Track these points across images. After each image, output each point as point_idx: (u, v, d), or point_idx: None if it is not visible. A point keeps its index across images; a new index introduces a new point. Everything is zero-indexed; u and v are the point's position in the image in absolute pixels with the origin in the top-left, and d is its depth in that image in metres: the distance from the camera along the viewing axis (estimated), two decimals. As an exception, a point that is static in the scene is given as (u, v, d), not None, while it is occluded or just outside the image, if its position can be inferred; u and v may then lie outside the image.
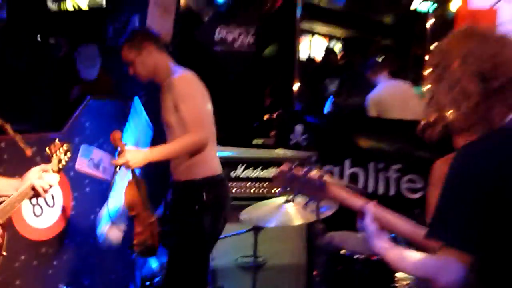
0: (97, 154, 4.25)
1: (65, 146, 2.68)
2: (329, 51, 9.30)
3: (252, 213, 3.67)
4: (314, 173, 2.23)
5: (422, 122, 1.88)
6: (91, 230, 4.15)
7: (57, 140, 2.68)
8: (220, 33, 5.35)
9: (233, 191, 4.42)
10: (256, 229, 3.85)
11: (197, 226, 3.53)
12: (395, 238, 2.22)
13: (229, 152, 4.56)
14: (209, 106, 3.65)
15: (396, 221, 2.15)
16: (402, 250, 1.94)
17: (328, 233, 3.88)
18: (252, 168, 4.55)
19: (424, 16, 7.08)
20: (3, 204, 2.34)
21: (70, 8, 5.42)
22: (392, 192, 5.02)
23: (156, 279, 4.39)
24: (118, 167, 3.44)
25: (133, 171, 3.46)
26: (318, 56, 10.15)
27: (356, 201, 2.12)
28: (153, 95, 3.90)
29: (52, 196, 4.08)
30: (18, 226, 3.94)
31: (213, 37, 5.35)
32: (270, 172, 4.53)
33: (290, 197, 3.29)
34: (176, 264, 3.62)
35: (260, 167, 4.55)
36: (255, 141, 5.38)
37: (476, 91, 1.70)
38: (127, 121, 4.20)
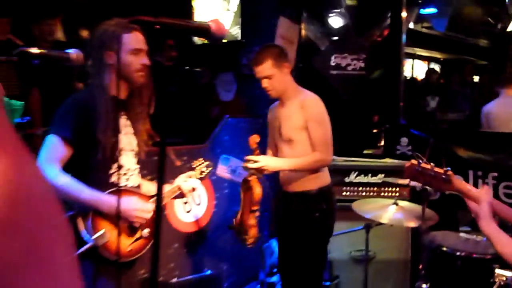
0: (234, 162, 4.45)
1: (207, 162, 2.95)
2: (430, 72, 9.10)
3: (362, 206, 3.71)
4: (439, 168, 2.27)
5: None
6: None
7: (202, 159, 2.98)
8: (335, 59, 5.41)
9: (347, 194, 4.49)
10: (368, 227, 3.87)
11: (320, 230, 3.55)
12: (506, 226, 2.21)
13: (343, 161, 4.61)
14: None
15: (508, 211, 2.15)
16: (507, 236, 1.95)
17: (431, 232, 3.85)
18: (363, 175, 4.54)
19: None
20: (153, 199, 2.49)
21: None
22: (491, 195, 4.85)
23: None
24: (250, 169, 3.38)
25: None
26: (420, 76, 9.97)
27: (475, 190, 2.16)
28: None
29: (199, 196, 4.34)
30: (172, 220, 4.22)
31: (329, 62, 5.41)
32: (379, 178, 4.51)
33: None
34: (303, 263, 3.54)
35: (370, 174, 4.54)
36: (365, 151, 5.39)
37: None
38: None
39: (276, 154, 3.64)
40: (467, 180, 4.95)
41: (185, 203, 4.24)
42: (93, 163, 2.34)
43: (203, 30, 1.55)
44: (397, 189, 4.45)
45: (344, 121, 5.13)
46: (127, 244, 2.39)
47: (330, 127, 3.49)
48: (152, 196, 2.50)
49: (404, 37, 5.73)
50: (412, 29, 8.00)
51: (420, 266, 3.48)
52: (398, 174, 4.49)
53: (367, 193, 4.49)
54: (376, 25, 6.08)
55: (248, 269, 4.75)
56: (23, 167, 0.52)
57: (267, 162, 3.33)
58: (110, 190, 2.35)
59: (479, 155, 4.97)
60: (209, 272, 4.40)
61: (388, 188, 4.49)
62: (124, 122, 2.46)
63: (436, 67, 10.59)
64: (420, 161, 2.28)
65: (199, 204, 4.34)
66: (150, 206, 2.41)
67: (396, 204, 3.64)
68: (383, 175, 4.50)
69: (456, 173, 4.93)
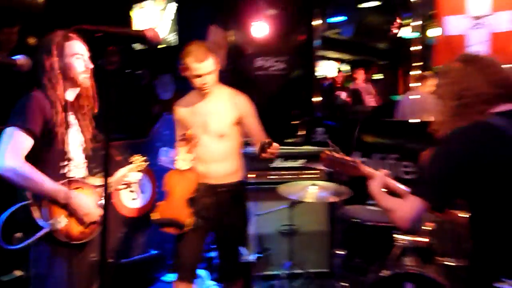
0: (173, 153, 4.38)
1: (143, 157, 2.86)
2: (338, 71, 9.31)
3: (287, 189, 3.72)
4: (348, 157, 2.43)
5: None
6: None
7: (139, 154, 2.87)
8: (259, 62, 5.42)
9: (273, 177, 4.53)
10: (292, 205, 3.90)
11: (247, 215, 3.46)
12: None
13: (269, 149, 4.63)
14: None
15: (396, 187, 2.37)
16: (388, 195, 2.17)
17: (344, 206, 3.96)
18: (286, 160, 4.59)
19: (409, 42, 7.03)
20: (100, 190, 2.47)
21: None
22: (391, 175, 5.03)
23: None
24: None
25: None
26: (331, 75, 10.17)
27: (374, 171, 2.37)
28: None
29: (143, 185, 4.27)
30: (119, 208, 4.13)
31: (254, 64, 5.41)
32: (299, 163, 4.56)
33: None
34: (237, 243, 3.41)
35: (292, 160, 4.59)
36: (288, 140, 5.44)
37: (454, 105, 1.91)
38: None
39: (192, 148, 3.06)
40: (372, 161, 5.11)
41: (131, 191, 4.15)
42: (47, 156, 2.28)
43: (140, 37, 1.52)
44: (315, 171, 4.52)
45: (268, 115, 5.17)
46: (78, 228, 2.35)
47: None
48: (98, 186, 2.47)
49: (317, 42, 5.82)
50: (324, 35, 8.13)
51: (336, 236, 3.56)
52: (316, 159, 4.55)
53: (290, 176, 4.51)
54: (294, 32, 6.16)
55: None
56: None
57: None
58: (62, 181, 2.31)
59: (382, 140, 5.12)
60: (154, 252, 4.33)
61: (308, 171, 4.55)
62: (72, 120, 2.40)
63: (345, 67, 10.83)
64: (333, 151, 2.38)
65: (143, 192, 4.26)
66: (98, 211, 2.39)
67: (314, 184, 3.71)
68: (303, 160, 4.56)
69: (363, 155, 5.15)
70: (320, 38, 6.10)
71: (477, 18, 5.23)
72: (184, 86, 4.16)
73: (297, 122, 5.81)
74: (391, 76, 9.75)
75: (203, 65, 2.98)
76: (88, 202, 2.37)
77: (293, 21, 6.00)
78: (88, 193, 2.41)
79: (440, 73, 2.05)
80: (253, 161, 4.50)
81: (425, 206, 1.82)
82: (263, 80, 5.47)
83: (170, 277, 4.01)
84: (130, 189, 4.12)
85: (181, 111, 3.22)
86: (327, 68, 10.90)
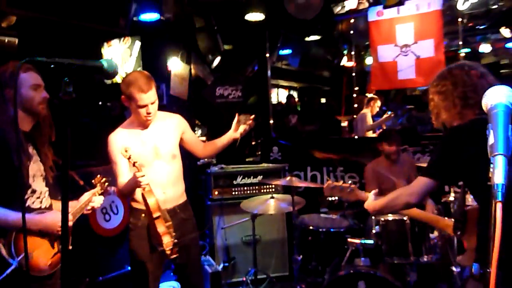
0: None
1: (104, 179, 2.47)
2: (290, 97, 9.35)
3: (248, 204, 3.66)
4: (346, 184, 2.40)
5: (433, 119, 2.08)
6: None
7: (98, 176, 2.46)
8: (219, 90, 5.37)
9: (236, 193, 4.42)
10: (253, 217, 3.82)
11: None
12: None
13: (231, 168, 4.55)
14: None
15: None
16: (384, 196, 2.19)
17: (300, 215, 3.90)
18: (246, 177, 4.50)
19: (350, 69, 7.16)
20: (72, 212, 2.24)
21: (119, 81, 5.43)
22: (339, 185, 5.03)
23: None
24: None
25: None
26: (283, 100, 10.22)
27: (365, 194, 2.35)
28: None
29: (116, 206, 4.06)
30: (95, 228, 3.91)
31: (214, 93, 5.36)
32: (258, 179, 4.49)
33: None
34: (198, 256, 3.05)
35: (252, 176, 4.50)
36: (247, 159, 5.38)
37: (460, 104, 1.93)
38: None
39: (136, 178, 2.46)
40: (322, 175, 5.11)
41: (105, 213, 3.95)
42: (10, 190, 2.01)
43: (96, 68, 1.39)
44: (272, 186, 4.47)
45: (229, 138, 5.11)
46: (47, 259, 2.10)
47: None
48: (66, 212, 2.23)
49: (269, 72, 5.83)
50: (275, 66, 8.17)
51: (294, 242, 3.51)
52: (273, 175, 4.53)
53: (251, 191, 4.45)
54: (248, 64, 6.15)
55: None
56: None
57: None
58: (30, 214, 2.06)
59: (329, 155, 5.14)
60: (129, 268, 4.11)
61: (266, 186, 4.49)
62: (31, 151, 2.16)
63: (294, 93, 10.92)
64: (332, 181, 2.40)
65: (116, 213, 4.05)
66: (70, 216, 2.14)
67: (273, 197, 3.67)
68: (261, 176, 4.51)
69: (313, 169, 5.13)
70: (272, 68, 6.10)
71: (404, 46, 5.35)
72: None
73: (255, 142, 5.77)
74: (334, 99, 9.89)
75: (148, 95, 2.54)
76: (56, 217, 2.09)
77: (247, 54, 6.00)
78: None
79: (443, 77, 2.01)
80: (216, 179, 4.43)
81: (432, 183, 1.89)
82: (223, 106, 5.40)
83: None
84: (106, 210, 3.99)
85: (120, 142, 2.60)
86: (279, 95, 10.99)
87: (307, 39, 7.06)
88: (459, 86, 1.91)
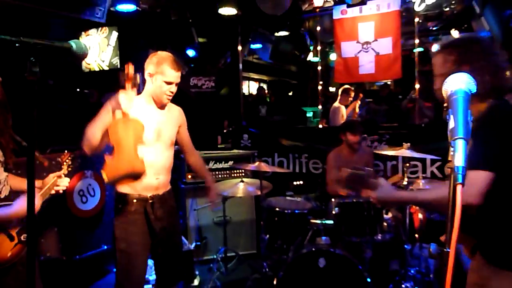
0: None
1: (70, 155, 2.22)
2: (260, 89, 9.27)
3: (219, 187, 3.57)
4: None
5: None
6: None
7: (65, 151, 2.22)
8: (193, 81, 5.25)
9: (208, 177, 4.37)
10: (224, 199, 3.77)
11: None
12: None
13: (204, 153, 4.45)
14: None
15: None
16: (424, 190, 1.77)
17: (268, 198, 3.86)
18: (218, 162, 4.44)
19: (316, 64, 7.13)
20: (38, 195, 2.03)
21: (97, 69, 5.20)
22: (304, 170, 5.03)
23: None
24: None
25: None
26: (254, 92, 10.14)
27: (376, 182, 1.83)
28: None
29: (94, 189, 3.90)
30: (73, 210, 3.76)
31: (189, 83, 5.23)
32: (229, 164, 4.43)
33: None
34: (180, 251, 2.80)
35: (223, 161, 4.45)
36: (219, 146, 5.31)
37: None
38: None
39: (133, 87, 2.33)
40: (289, 161, 5.09)
41: (82, 195, 3.79)
42: None
43: (65, 49, 1.26)
44: (242, 170, 4.42)
45: (202, 125, 5.00)
46: (8, 250, 1.92)
47: None
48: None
49: (240, 65, 5.73)
50: (247, 59, 8.06)
51: (262, 223, 3.47)
52: (243, 160, 4.47)
53: (222, 175, 4.39)
54: (221, 56, 6.03)
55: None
56: None
57: None
58: None
59: (295, 143, 5.12)
60: (105, 247, 3.98)
61: (236, 170, 4.44)
62: None
63: (264, 86, 10.85)
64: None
65: (93, 195, 3.90)
66: (36, 201, 1.86)
67: (242, 181, 3.62)
68: (232, 161, 4.44)
69: (280, 156, 5.10)
70: (243, 61, 6.01)
71: (365, 43, 5.35)
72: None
73: (227, 130, 5.69)
74: (301, 92, 9.89)
75: (178, 75, 2.49)
76: (19, 204, 1.90)
77: (220, 46, 5.88)
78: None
79: (467, 44, 1.61)
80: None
81: (489, 176, 1.41)
82: (197, 96, 5.29)
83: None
84: (83, 192, 3.83)
85: (136, 106, 2.40)
86: (250, 87, 10.89)
87: (276, 34, 6.98)
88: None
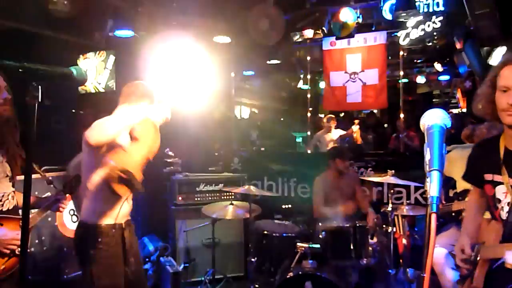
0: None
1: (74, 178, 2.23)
2: (252, 114, 9.35)
3: (209, 209, 3.58)
4: None
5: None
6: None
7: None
8: (187, 105, 5.29)
9: (198, 199, 4.32)
10: (213, 221, 3.75)
11: None
12: None
13: (195, 176, 4.46)
14: None
15: None
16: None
17: (256, 221, 3.85)
18: (209, 185, 4.42)
19: (305, 91, 7.25)
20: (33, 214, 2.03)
21: (93, 91, 5.23)
22: (292, 194, 5.05)
23: (152, 257, 4.17)
24: None
25: None
26: (245, 116, 10.20)
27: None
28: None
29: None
30: (61, 229, 3.71)
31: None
32: (219, 187, 4.41)
33: None
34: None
35: (213, 184, 4.43)
36: (210, 168, 5.30)
37: None
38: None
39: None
40: (278, 185, 5.10)
41: (72, 215, 3.75)
42: None
43: (66, 75, 1.30)
44: (232, 193, 4.40)
45: (195, 148, 5.02)
46: (0, 263, 1.89)
47: None
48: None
49: (233, 90, 5.81)
50: (239, 85, 8.17)
51: (250, 246, 3.46)
52: (232, 183, 4.46)
53: (212, 198, 4.37)
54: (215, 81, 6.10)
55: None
56: None
57: None
58: None
59: (285, 167, 5.15)
60: (93, 267, 3.90)
61: (226, 193, 4.42)
62: None
63: (256, 111, 10.93)
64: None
65: (84, 215, 3.85)
66: (18, 236, 1.88)
67: (232, 204, 3.61)
68: (222, 184, 4.44)
69: (270, 180, 5.12)
70: (236, 88, 6.10)
71: (353, 74, 5.49)
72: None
73: (218, 153, 5.69)
74: (291, 117, 9.96)
75: None
76: (7, 234, 1.88)
77: (213, 72, 5.96)
78: (9, 226, 1.94)
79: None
80: (181, 186, 4.33)
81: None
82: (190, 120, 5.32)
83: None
84: (73, 212, 3.78)
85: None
86: (242, 111, 10.96)
87: (268, 62, 7.11)
88: None
